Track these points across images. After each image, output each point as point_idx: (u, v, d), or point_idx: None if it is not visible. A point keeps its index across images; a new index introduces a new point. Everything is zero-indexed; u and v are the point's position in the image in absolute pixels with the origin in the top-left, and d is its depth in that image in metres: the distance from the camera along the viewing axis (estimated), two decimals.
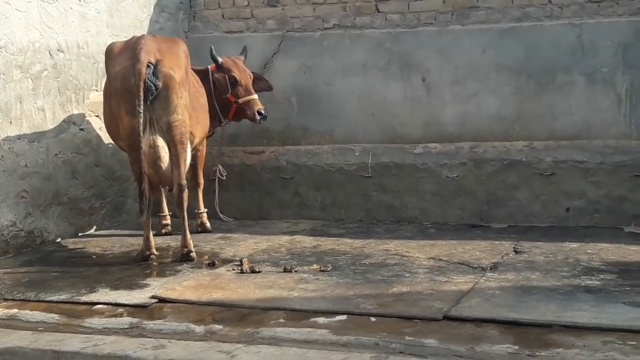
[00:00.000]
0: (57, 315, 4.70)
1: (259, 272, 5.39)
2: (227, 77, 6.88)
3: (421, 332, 4.09)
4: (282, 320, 4.40)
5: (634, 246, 5.83)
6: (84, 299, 4.94)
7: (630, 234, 6.34)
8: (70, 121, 6.85)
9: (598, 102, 6.99)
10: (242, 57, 7.15)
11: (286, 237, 6.60)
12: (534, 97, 7.16)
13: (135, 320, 4.53)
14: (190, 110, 6.03)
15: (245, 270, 5.41)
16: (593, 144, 6.88)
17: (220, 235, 6.78)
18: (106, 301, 4.87)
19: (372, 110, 7.63)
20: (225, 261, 5.77)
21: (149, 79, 5.62)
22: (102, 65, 6.91)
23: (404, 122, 7.53)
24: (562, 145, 6.92)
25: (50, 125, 6.64)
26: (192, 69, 6.64)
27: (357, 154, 7.41)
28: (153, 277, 5.43)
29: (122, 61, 5.80)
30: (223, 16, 8.13)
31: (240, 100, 6.91)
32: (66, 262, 5.96)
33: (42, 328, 4.54)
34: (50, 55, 6.62)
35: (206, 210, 7.07)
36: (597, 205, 6.71)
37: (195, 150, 6.54)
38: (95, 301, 4.89)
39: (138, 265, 5.77)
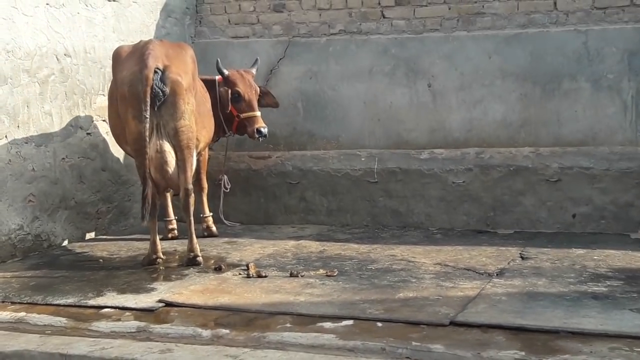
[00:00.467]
0: (64, 318, 4.72)
1: (266, 276, 5.40)
2: (230, 91, 6.84)
3: (428, 338, 4.10)
4: (288, 325, 4.41)
5: None
6: (91, 302, 4.96)
7: (636, 241, 6.33)
8: (77, 125, 6.88)
9: (604, 108, 7.00)
10: (253, 70, 7.11)
11: (292, 242, 6.61)
12: (540, 104, 7.17)
13: (142, 324, 4.55)
14: (196, 115, 6.05)
15: (251, 275, 5.42)
16: (599, 150, 6.88)
17: (226, 239, 6.79)
18: (113, 305, 4.89)
19: (378, 116, 7.64)
20: (232, 266, 5.78)
21: (156, 85, 5.64)
22: (108, 70, 6.95)
23: (409, 128, 7.54)
24: (568, 152, 6.93)
25: (57, 129, 6.67)
26: (199, 77, 6.64)
27: (363, 159, 7.42)
28: (160, 281, 5.44)
29: (130, 66, 5.82)
30: (229, 21, 8.16)
31: (242, 116, 6.89)
32: (73, 265, 5.98)
33: (49, 331, 4.56)
34: (58, 59, 6.65)
35: (211, 214, 7.09)
36: (604, 212, 6.71)
37: (198, 155, 6.54)
38: (103, 305, 4.90)
39: (145, 269, 5.79)
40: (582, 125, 7.05)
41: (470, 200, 7.06)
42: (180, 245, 6.53)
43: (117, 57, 6.18)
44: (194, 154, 5.99)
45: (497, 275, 5.30)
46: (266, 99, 7.21)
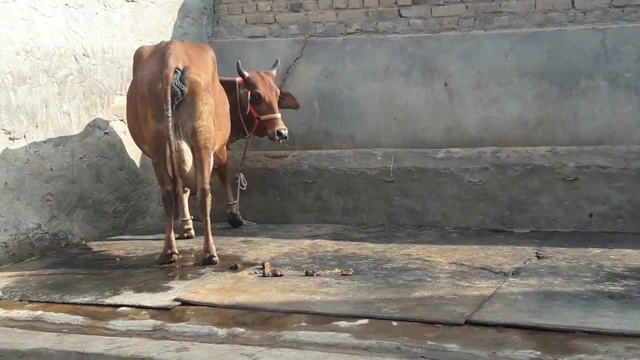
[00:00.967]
0: (81, 317, 4.76)
1: (281, 275, 5.42)
2: (250, 93, 6.89)
3: (443, 337, 4.10)
4: (304, 324, 4.43)
5: None
6: (108, 301, 4.99)
7: None
8: (95, 125, 6.92)
9: (621, 107, 6.96)
10: (273, 72, 7.16)
11: (308, 241, 6.62)
12: (557, 102, 7.14)
13: (158, 322, 4.58)
14: (214, 117, 6.09)
15: (267, 274, 5.43)
16: (616, 149, 6.84)
17: (242, 238, 6.81)
18: (130, 303, 4.92)
19: (394, 115, 7.64)
20: (248, 264, 5.80)
21: (175, 84, 5.68)
22: (126, 69, 7.00)
23: (426, 127, 7.53)
24: (585, 151, 6.89)
25: (75, 129, 6.71)
26: (220, 79, 6.72)
27: (379, 158, 7.42)
28: (176, 280, 5.47)
29: (150, 65, 5.86)
30: (246, 21, 8.18)
31: (262, 118, 6.95)
32: (90, 264, 6.02)
33: (66, 330, 4.60)
34: (76, 59, 6.70)
35: (236, 202, 7.23)
36: (621, 211, 6.67)
37: (216, 157, 6.64)
38: (119, 303, 4.94)
39: (161, 268, 5.82)
40: (599, 124, 7.02)
41: (486, 200, 7.04)
42: (196, 244, 6.56)
43: (139, 57, 6.23)
44: (212, 155, 6.03)
45: (513, 274, 5.29)
46: (286, 101, 7.25)
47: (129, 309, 4.85)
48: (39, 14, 6.32)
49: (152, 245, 6.54)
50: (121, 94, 7.10)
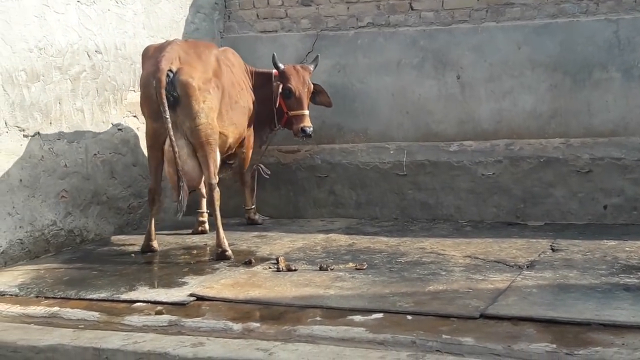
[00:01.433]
0: (97, 313, 4.78)
1: (295, 270, 5.43)
2: (282, 86, 6.92)
3: (458, 331, 4.09)
4: (318, 319, 4.43)
5: None
6: (124, 297, 5.01)
7: None
8: (108, 121, 6.95)
9: (635, 98, 6.93)
10: (311, 67, 7.18)
11: (322, 236, 6.63)
12: (570, 94, 7.11)
13: (174, 318, 4.59)
14: (225, 111, 6.17)
15: (281, 269, 5.44)
16: (630, 140, 6.81)
17: (256, 233, 6.83)
18: (145, 299, 4.94)
19: (407, 109, 7.63)
20: (262, 259, 5.81)
21: (167, 88, 5.77)
22: (139, 66, 6.99)
23: (438, 120, 7.52)
24: (599, 142, 6.86)
25: (89, 125, 6.74)
26: (256, 71, 6.97)
27: (391, 152, 7.41)
28: (191, 275, 5.48)
29: (148, 67, 6.02)
30: (258, 16, 8.18)
31: (290, 113, 7.01)
32: (106, 260, 6.05)
33: (82, 326, 4.61)
34: (89, 56, 6.72)
35: (253, 207, 7.26)
36: (636, 203, 6.64)
37: (241, 152, 6.92)
38: (135, 299, 4.95)
39: (175, 264, 5.84)
40: (613, 116, 6.99)
41: (500, 192, 7.02)
42: (211, 240, 6.57)
43: (144, 56, 6.32)
44: (216, 150, 6.06)
45: (527, 267, 5.28)
46: (320, 97, 7.28)
47: (144, 304, 4.87)
48: (51, 11, 6.35)
49: (166, 241, 6.57)
50: (134, 90, 7.12)
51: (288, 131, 7.69)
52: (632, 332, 3.94)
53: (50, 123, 6.35)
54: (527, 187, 6.94)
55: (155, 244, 6.23)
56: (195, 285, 5.18)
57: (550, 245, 5.89)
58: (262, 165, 7.34)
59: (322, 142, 7.76)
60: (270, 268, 5.53)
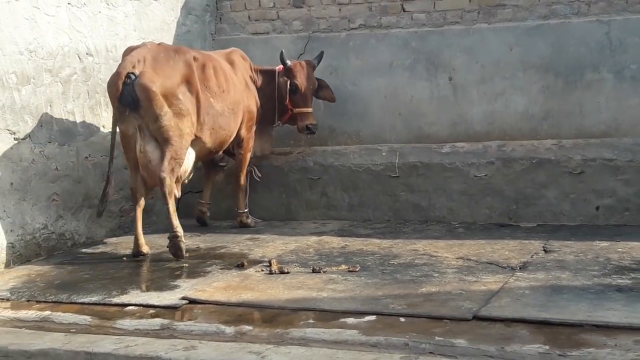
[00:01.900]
0: (89, 316, 4.76)
1: (288, 272, 5.41)
2: (289, 82, 7.03)
3: (451, 332, 4.09)
4: (311, 321, 4.42)
5: None
6: (116, 300, 4.99)
7: None
8: (99, 124, 6.92)
9: (627, 99, 6.95)
10: (315, 62, 7.29)
11: (314, 238, 6.62)
12: (562, 95, 7.13)
13: (166, 321, 4.58)
14: (202, 115, 6.27)
15: (274, 271, 5.43)
16: (622, 141, 6.82)
17: (248, 236, 6.81)
18: (137, 302, 4.92)
19: (399, 110, 7.63)
20: (254, 262, 5.79)
21: (126, 90, 5.88)
22: None
23: (430, 122, 7.53)
24: (591, 143, 6.87)
25: (80, 128, 6.71)
26: (258, 68, 7.09)
27: (384, 154, 7.41)
28: (183, 278, 5.47)
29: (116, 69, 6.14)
30: (249, 18, 8.18)
31: (295, 110, 7.09)
32: (97, 264, 6.03)
33: (74, 330, 4.59)
34: (80, 59, 6.69)
35: (246, 210, 7.25)
36: (627, 204, 6.65)
37: (239, 154, 7.02)
38: (127, 302, 4.94)
39: (167, 267, 5.82)
40: (605, 117, 7.01)
41: (492, 194, 7.02)
42: (203, 243, 6.58)
43: (122, 57, 6.31)
44: (180, 149, 6.08)
45: (520, 268, 5.28)
46: (324, 92, 7.40)
47: (136, 308, 4.85)
48: (42, 13, 6.32)
49: (158, 244, 6.53)
50: None
51: (280, 133, 7.72)
52: (624, 333, 3.94)
53: (41, 126, 6.33)
54: (520, 189, 6.94)
55: (144, 248, 6.19)
56: (187, 288, 5.17)
57: (543, 247, 5.89)
58: (255, 168, 7.35)
59: (314, 144, 7.75)
60: (262, 271, 5.52)
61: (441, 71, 7.48)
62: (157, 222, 7.41)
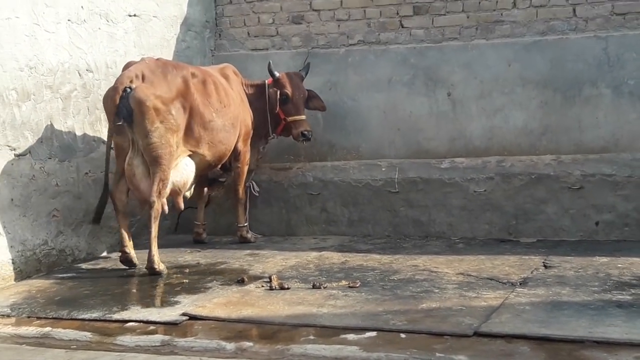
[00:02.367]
0: (89, 333, 4.75)
1: (288, 288, 5.41)
2: (279, 92, 7.11)
3: (451, 349, 4.09)
4: (312, 337, 4.42)
5: None
6: (116, 316, 4.99)
7: None
8: (99, 140, 6.93)
9: (625, 114, 6.98)
10: (303, 73, 7.39)
11: (314, 253, 6.62)
12: (561, 111, 7.15)
13: (166, 337, 4.57)
14: (197, 131, 6.31)
15: (274, 287, 5.43)
16: (621, 156, 6.84)
17: (248, 251, 6.81)
18: (138, 319, 4.91)
19: (398, 126, 7.65)
20: (254, 278, 5.80)
21: (122, 103, 5.94)
22: None
23: (430, 137, 7.55)
24: (590, 159, 6.89)
25: (80, 144, 6.72)
26: (248, 83, 7.17)
27: (383, 169, 7.42)
28: (183, 294, 5.46)
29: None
30: (249, 34, 8.21)
31: (288, 119, 7.14)
32: (98, 280, 6.02)
33: (75, 346, 4.58)
34: (80, 75, 6.71)
35: (246, 224, 7.26)
36: (627, 219, 6.66)
37: (236, 167, 7.04)
38: (127, 319, 4.93)
39: (168, 283, 5.82)
40: (604, 132, 7.03)
41: (492, 209, 7.03)
42: (203, 259, 6.57)
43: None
44: (167, 170, 6.10)
45: (520, 284, 5.28)
46: (314, 102, 7.46)
47: (136, 324, 4.84)
48: (42, 30, 6.34)
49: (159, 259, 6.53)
50: None
51: (280, 149, 7.73)
52: (625, 349, 3.94)
53: (42, 142, 6.34)
54: (519, 204, 6.95)
55: (129, 250, 6.29)
56: (187, 304, 5.16)
57: (543, 262, 5.90)
58: (254, 182, 7.37)
59: (313, 159, 7.77)
60: (263, 286, 5.52)
61: (440, 87, 7.51)
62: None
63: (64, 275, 6.20)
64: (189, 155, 6.38)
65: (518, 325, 4.35)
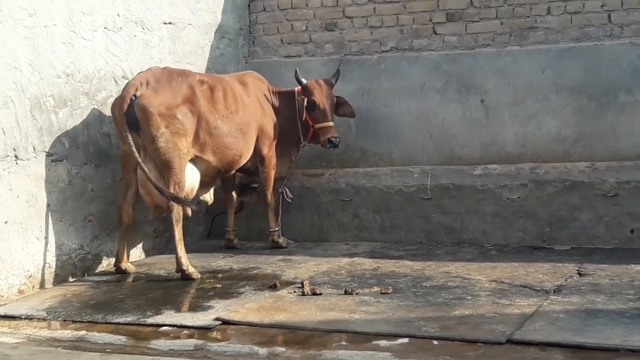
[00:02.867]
0: (124, 337, 4.81)
1: (320, 294, 5.43)
2: (306, 100, 7.11)
3: (484, 356, 4.08)
4: (344, 343, 4.43)
5: None
6: (150, 320, 5.04)
7: None
8: None
9: None
10: (333, 80, 7.39)
11: (346, 259, 6.63)
12: (595, 117, 7.10)
13: (199, 342, 4.61)
14: (203, 137, 6.36)
15: (306, 293, 5.45)
16: None
17: (281, 257, 6.84)
18: (171, 323, 4.96)
19: (431, 132, 7.64)
20: (287, 283, 5.82)
21: (128, 112, 6.04)
22: None
23: (462, 144, 7.52)
24: (625, 166, 6.83)
25: (115, 150, 6.79)
26: (277, 90, 7.22)
27: (416, 175, 7.41)
28: (216, 299, 5.50)
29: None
30: (282, 41, 8.26)
31: (316, 126, 7.15)
32: (132, 284, 6.10)
33: (109, 350, 4.63)
34: (115, 82, 6.79)
35: (277, 229, 7.28)
36: None
37: (262, 172, 7.09)
38: (161, 323, 4.98)
39: (201, 288, 5.86)
40: (639, 139, 6.95)
41: (525, 216, 6.99)
42: (236, 264, 6.61)
43: None
44: (180, 172, 6.18)
45: (554, 292, 5.24)
46: (343, 109, 7.45)
47: (170, 328, 4.89)
48: (78, 37, 6.44)
49: (192, 264, 6.58)
50: None
51: (312, 155, 7.75)
52: None
53: (78, 148, 6.43)
54: (553, 211, 6.90)
55: (124, 264, 6.41)
56: (220, 309, 5.20)
57: (577, 270, 5.85)
58: (286, 189, 7.40)
59: (346, 165, 7.79)
60: (295, 292, 5.54)
61: (473, 93, 7.49)
62: (191, 243, 7.45)
63: (99, 279, 6.28)
64: (194, 161, 6.43)
65: (552, 333, 4.32)
